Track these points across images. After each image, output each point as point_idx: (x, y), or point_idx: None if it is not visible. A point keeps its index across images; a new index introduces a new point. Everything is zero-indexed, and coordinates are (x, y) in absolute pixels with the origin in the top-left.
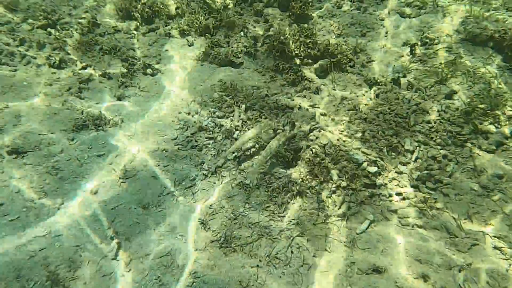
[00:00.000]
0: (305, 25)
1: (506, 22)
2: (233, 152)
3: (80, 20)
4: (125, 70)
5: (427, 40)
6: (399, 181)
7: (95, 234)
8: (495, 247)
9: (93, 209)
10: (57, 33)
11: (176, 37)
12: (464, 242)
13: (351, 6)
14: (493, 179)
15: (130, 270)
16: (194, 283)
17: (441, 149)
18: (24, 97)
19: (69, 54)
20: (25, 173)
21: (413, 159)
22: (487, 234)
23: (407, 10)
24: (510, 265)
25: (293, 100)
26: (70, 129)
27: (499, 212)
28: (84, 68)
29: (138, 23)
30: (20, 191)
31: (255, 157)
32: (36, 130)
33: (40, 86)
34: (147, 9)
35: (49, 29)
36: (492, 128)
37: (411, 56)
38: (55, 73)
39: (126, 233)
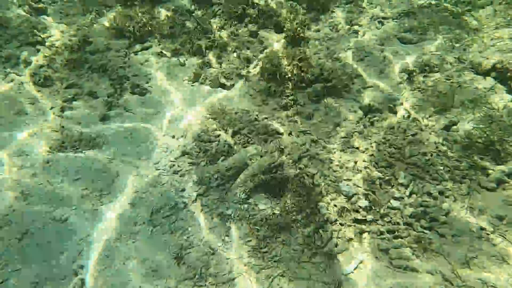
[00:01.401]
0: (300, 48)
1: (509, 54)
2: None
3: (71, 38)
4: (112, 90)
5: (426, 68)
6: (391, 218)
7: None
8: None
9: None
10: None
11: (167, 57)
12: None
13: (349, 29)
14: (493, 220)
15: None
16: None
17: (437, 185)
18: None
19: (56, 72)
20: None
21: (407, 193)
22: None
23: (408, 36)
24: None
25: (284, 125)
26: None
27: (499, 259)
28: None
29: (130, 42)
30: None
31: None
32: None
33: None
34: (140, 28)
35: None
36: (492, 164)
37: (408, 83)
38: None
39: None
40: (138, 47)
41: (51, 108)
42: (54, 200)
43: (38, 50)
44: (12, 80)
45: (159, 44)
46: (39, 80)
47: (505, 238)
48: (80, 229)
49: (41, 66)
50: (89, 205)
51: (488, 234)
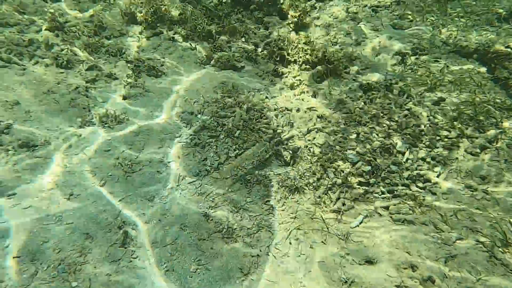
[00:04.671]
0: (303, 33)
1: (489, 37)
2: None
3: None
4: (130, 72)
5: (417, 51)
6: (391, 180)
7: None
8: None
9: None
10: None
11: (179, 42)
12: (449, 236)
13: (346, 17)
14: (477, 180)
15: None
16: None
17: (430, 151)
18: None
19: (76, 55)
20: None
21: (404, 160)
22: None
23: (399, 22)
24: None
25: (292, 103)
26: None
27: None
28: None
29: (143, 28)
30: None
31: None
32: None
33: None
34: (151, 15)
35: (56, 31)
36: (476, 133)
37: (402, 64)
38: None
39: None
40: (149, 32)
41: (76, 87)
42: None
43: (58, 35)
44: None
45: (170, 30)
46: (62, 62)
47: (487, 193)
48: None
49: (62, 50)
50: None
51: (472, 191)
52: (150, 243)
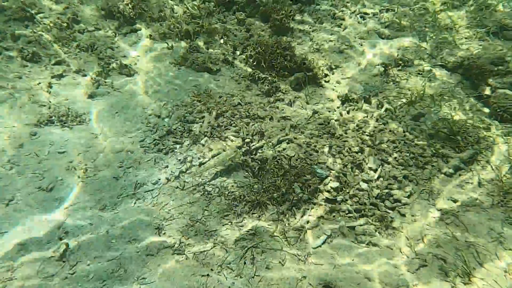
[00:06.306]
0: (284, 38)
1: (474, 52)
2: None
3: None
4: (100, 69)
5: (400, 62)
6: (359, 198)
7: None
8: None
9: None
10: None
11: (156, 40)
12: (413, 262)
13: (331, 23)
14: (448, 202)
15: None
16: None
17: (402, 170)
18: None
19: (45, 48)
20: None
21: (375, 177)
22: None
23: (386, 31)
24: None
25: (266, 111)
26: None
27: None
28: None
29: (119, 23)
30: None
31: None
32: None
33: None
34: (130, 10)
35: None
36: (452, 152)
37: (384, 76)
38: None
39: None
40: (127, 29)
41: (39, 83)
42: None
43: (27, 26)
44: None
45: (148, 27)
46: (27, 55)
47: (457, 218)
48: None
49: (29, 42)
50: None
51: (443, 214)
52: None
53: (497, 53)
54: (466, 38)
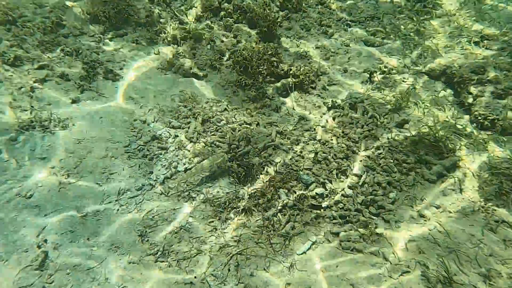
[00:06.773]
0: (271, 44)
1: (457, 60)
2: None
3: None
4: (85, 73)
5: (386, 69)
6: (344, 204)
7: None
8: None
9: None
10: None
11: (143, 45)
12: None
13: (318, 30)
14: (431, 209)
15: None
16: None
17: (386, 176)
18: None
19: (27, 52)
20: None
21: (360, 183)
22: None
23: (372, 39)
24: None
25: (252, 116)
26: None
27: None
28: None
29: (105, 27)
30: None
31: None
32: None
33: None
34: (116, 15)
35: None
36: (435, 159)
37: (369, 83)
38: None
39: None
40: (112, 33)
41: (20, 88)
42: None
43: (9, 30)
44: None
45: (135, 32)
46: (8, 59)
47: (440, 224)
48: None
49: (12, 46)
50: None
51: (425, 220)
52: None
53: (477, 62)
54: (447, 46)
